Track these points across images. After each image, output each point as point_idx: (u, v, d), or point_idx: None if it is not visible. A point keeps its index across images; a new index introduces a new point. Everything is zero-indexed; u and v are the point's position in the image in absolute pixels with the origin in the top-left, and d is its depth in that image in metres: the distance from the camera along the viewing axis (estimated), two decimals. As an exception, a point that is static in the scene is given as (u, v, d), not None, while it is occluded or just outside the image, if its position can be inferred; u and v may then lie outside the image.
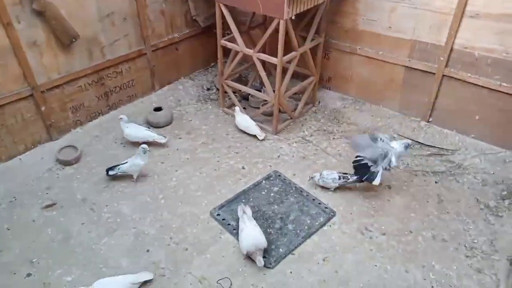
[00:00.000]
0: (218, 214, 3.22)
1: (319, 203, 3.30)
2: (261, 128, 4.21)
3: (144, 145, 3.48)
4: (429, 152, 3.92)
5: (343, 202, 3.35)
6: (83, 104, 4.10)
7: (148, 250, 2.95)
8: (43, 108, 3.74)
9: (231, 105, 4.61)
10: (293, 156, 3.89)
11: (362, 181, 3.34)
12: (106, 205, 3.33)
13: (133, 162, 3.48)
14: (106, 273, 2.76)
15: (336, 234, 3.07)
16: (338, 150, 3.94)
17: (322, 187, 3.45)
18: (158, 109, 4.34)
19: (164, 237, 3.06)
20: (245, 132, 4.18)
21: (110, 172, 3.53)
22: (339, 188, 3.45)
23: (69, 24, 3.59)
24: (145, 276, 2.72)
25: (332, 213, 3.21)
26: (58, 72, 3.76)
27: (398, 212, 3.27)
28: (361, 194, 3.43)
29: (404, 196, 3.42)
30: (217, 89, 4.98)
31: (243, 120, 4.15)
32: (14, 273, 2.79)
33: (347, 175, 3.39)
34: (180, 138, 4.17)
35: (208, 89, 5.04)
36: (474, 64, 3.68)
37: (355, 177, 3.35)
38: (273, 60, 3.75)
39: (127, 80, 4.43)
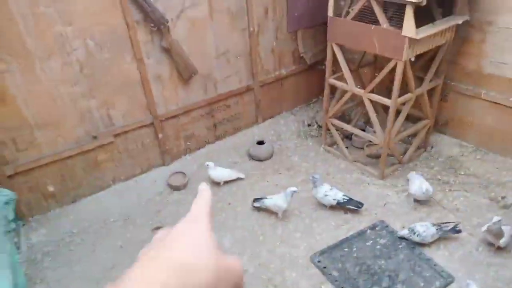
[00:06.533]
0: (319, 261, 3.07)
1: (434, 265, 2.93)
2: (366, 171, 4.00)
3: (293, 188, 3.40)
4: None
5: (462, 267, 2.93)
6: (194, 133, 4.36)
7: (246, 289, 2.91)
8: (160, 136, 4.06)
9: (333, 144, 4.50)
10: (402, 206, 3.58)
11: (459, 231, 3.10)
12: (208, 235, 3.42)
13: (276, 203, 3.44)
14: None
15: (455, 304, 2.68)
16: (456, 204, 3.50)
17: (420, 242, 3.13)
18: (260, 142, 4.41)
19: (262, 277, 3.00)
20: (347, 174, 4.01)
21: (255, 204, 3.60)
22: (457, 250, 3.05)
23: (190, 61, 3.89)
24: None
25: (449, 279, 2.82)
26: (176, 104, 4.06)
27: (534, 289, 2.75)
28: (485, 260, 2.97)
29: (542, 270, 2.87)
30: (318, 126, 4.91)
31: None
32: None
33: (441, 226, 3.09)
34: (280, 173, 4.16)
35: (309, 125, 5.00)
36: None
37: (451, 227, 3.09)
38: (386, 101, 3.57)
39: (234, 113, 4.62)
